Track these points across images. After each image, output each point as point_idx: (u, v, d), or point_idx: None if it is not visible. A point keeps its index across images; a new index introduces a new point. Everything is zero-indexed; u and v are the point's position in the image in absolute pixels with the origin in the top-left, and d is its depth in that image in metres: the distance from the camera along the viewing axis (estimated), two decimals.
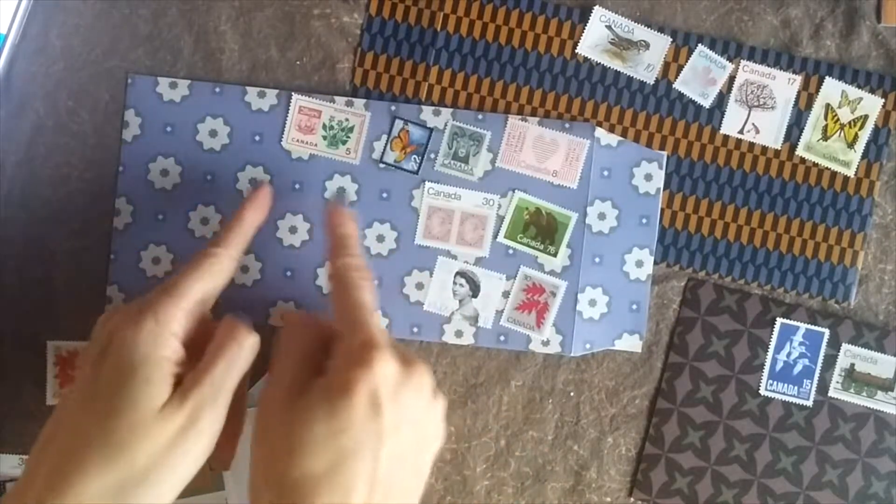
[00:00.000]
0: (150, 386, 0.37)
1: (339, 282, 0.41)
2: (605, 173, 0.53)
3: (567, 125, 0.53)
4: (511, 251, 0.53)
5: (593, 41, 0.54)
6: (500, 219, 0.53)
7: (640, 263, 0.54)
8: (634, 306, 0.54)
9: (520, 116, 0.53)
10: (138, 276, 0.52)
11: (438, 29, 0.53)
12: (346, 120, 0.52)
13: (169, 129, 0.52)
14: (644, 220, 0.54)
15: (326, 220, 0.44)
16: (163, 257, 0.52)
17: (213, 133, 0.52)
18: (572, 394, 0.54)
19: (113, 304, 0.52)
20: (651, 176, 0.54)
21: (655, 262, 0.54)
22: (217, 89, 0.52)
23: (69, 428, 0.37)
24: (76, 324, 0.52)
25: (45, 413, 0.51)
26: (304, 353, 0.40)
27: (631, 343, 0.54)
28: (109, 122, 0.52)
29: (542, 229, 0.53)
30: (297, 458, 0.35)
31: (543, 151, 0.53)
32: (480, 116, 0.53)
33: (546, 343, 0.53)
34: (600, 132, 0.53)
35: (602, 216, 0.53)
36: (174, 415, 0.37)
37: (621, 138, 0.54)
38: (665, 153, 0.54)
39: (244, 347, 0.40)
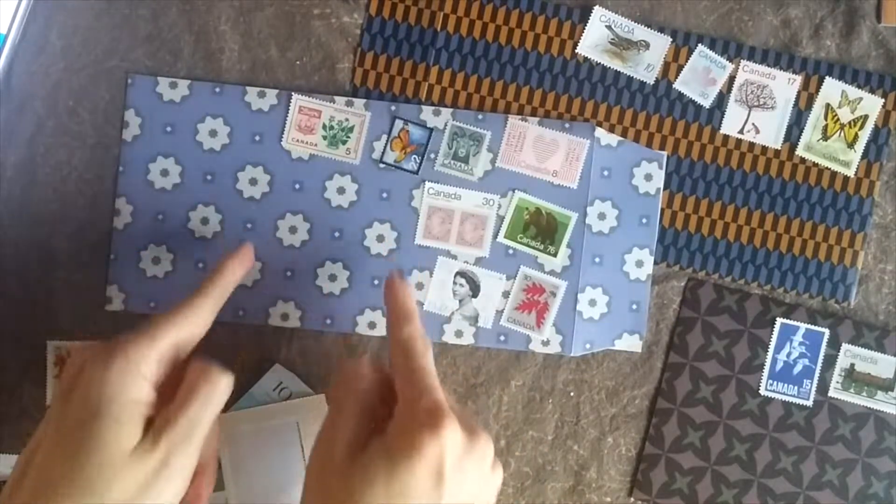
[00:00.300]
0: (120, 427, 0.36)
1: (403, 349, 0.41)
2: (605, 173, 0.53)
3: (567, 125, 0.53)
4: (511, 251, 0.53)
5: (593, 41, 0.54)
6: (500, 219, 0.53)
7: (640, 263, 0.54)
8: (634, 306, 0.54)
9: (520, 116, 0.53)
10: (138, 276, 0.52)
11: (438, 29, 0.53)
12: (346, 120, 0.52)
13: (169, 129, 0.52)
14: (644, 220, 0.54)
15: (388, 293, 0.44)
16: (163, 257, 0.52)
17: (213, 133, 0.52)
18: (572, 394, 0.54)
19: (112, 304, 0.52)
20: (651, 176, 0.54)
21: (655, 262, 0.54)
22: (217, 89, 0.52)
23: (40, 465, 0.37)
24: (76, 324, 0.52)
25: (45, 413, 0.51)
26: (362, 408, 0.39)
27: (631, 343, 0.54)
28: (109, 122, 0.52)
29: (542, 229, 0.53)
30: None
31: (543, 151, 0.53)
32: (480, 116, 0.53)
33: (546, 343, 0.53)
34: (600, 132, 0.53)
35: (602, 216, 0.53)
36: (146, 456, 0.36)
37: (621, 138, 0.54)
38: (665, 153, 0.54)
39: (218, 388, 0.39)
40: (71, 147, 0.52)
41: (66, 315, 0.52)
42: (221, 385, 0.39)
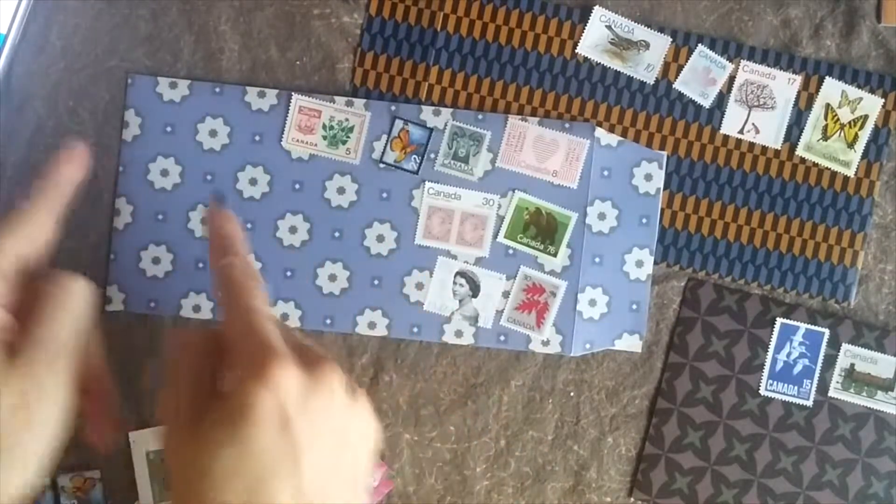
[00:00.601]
0: None
1: (224, 285, 0.37)
2: (605, 173, 0.53)
3: (567, 125, 0.53)
4: (511, 251, 0.53)
5: (593, 41, 0.54)
6: (500, 219, 0.53)
7: (640, 263, 0.54)
8: (634, 306, 0.54)
9: (520, 116, 0.53)
10: (138, 276, 0.52)
11: (438, 29, 0.53)
12: (346, 120, 0.52)
13: (169, 129, 0.52)
14: (644, 220, 0.54)
15: (208, 224, 0.39)
16: (163, 257, 0.52)
17: (213, 133, 0.52)
18: (572, 394, 0.54)
19: (112, 304, 0.52)
20: (651, 176, 0.54)
21: (655, 262, 0.54)
22: (217, 89, 0.52)
23: None
24: None
25: None
26: (194, 374, 0.35)
27: (631, 343, 0.54)
28: (109, 122, 0.52)
29: (542, 229, 0.53)
30: (213, 491, 0.31)
31: (543, 151, 0.53)
32: (480, 116, 0.53)
33: (546, 343, 0.53)
34: (600, 132, 0.53)
35: (602, 216, 0.53)
36: (5, 382, 0.32)
37: (621, 138, 0.54)
38: (665, 153, 0.54)
39: (73, 294, 0.35)
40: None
41: None
42: (75, 290, 0.36)
